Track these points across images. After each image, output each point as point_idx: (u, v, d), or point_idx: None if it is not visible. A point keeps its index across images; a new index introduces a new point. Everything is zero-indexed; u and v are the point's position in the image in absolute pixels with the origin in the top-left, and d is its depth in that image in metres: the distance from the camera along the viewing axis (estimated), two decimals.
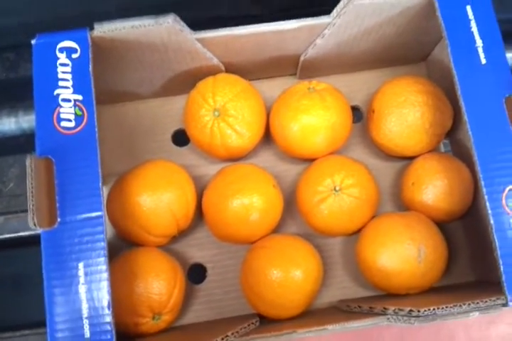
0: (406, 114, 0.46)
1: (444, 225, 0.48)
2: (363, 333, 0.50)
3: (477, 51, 0.39)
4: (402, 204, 0.49)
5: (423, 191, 0.46)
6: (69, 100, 0.36)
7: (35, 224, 0.33)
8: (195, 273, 0.48)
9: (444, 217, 0.46)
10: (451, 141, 0.51)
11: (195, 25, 0.42)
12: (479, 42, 0.40)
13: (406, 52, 0.50)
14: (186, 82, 0.48)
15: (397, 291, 0.44)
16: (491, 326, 0.51)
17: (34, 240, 0.47)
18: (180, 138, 0.52)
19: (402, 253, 0.43)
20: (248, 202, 0.44)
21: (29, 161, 0.34)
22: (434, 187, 0.46)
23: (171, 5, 0.52)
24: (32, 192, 0.33)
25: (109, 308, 0.33)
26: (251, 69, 0.49)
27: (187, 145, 0.52)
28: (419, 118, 0.46)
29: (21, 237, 0.51)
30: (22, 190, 0.56)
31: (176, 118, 0.52)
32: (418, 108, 0.46)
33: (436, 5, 0.40)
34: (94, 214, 0.34)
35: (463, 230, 0.49)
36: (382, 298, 0.46)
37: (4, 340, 0.48)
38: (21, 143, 0.56)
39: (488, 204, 0.36)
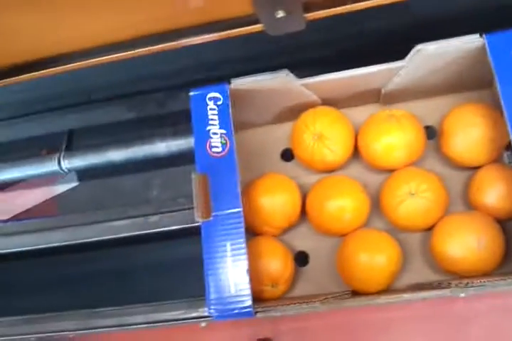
0: (470, 132, 0.55)
1: (507, 222, 0.54)
2: (447, 328, 0.58)
3: None
4: (469, 206, 0.57)
5: (485, 194, 0.54)
6: (216, 133, 0.52)
7: (199, 217, 0.48)
8: (300, 259, 0.59)
9: (503, 215, 0.54)
10: None
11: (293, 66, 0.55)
12: None
13: (470, 83, 0.59)
14: (293, 113, 0.61)
15: (464, 275, 0.52)
16: None
17: (182, 233, 0.63)
18: (287, 155, 0.63)
19: (466, 243, 0.51)
20: (342, 204, 0.55)
21: (193, 175, 0.50)
22: (494, 191, 0.53)
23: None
24: (196, 196, 0.49)
25: (247, 274, 0.47)
26: (342, 101, 0.61)
27: (292, 161, 0.63)
28: (480, 136, 0.54)
29: (173, 230, 0.64)
30: (165, 196, 0.71)
31: (284, 140, 0.63)
32: (479, 127, 0.54)
33: (487, 50, 0.49)
34: (236, 210, 0.49)
35: None
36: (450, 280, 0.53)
37: (168, 305, 0.60)
38: (163, 161, 0.70)
39: None
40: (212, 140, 0.51)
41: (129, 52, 0.44)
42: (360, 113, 0.62)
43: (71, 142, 0.72)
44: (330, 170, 0.61)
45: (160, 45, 0.43)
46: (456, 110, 0.58)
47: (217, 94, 0.53)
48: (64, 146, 0.70)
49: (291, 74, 0.54)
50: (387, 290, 0.55)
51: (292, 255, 0.58)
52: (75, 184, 0.75)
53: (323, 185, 0.58)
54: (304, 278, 0.59)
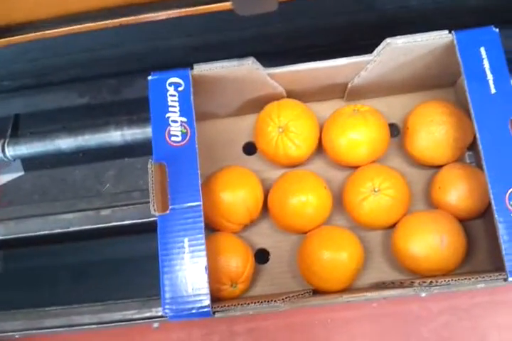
0: (433, 131, 0.54)
1: (468, 222, 0.55)
2: (402, 329, 0.57)
3: (488, 83, 0.48)
4: (431, 204, 0.57)
5: (447, 193, 0.54)
6: (176, 121, 0.49)
7: (155, 210, 0.45)
8: (261, 256, 0.57)
9: (465, 214, 0.54)
10: (474, 152, 0.58)
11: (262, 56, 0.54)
12: (490, 76, 0.48)
13: (435, 80, 0.59)
14: (256, 105, 0.59)
15: (426, 274, 0.52)
16: None
17: (136, 228, 0.60)
18: (250, 148, 0.62)
19: (428, 241, 0.51)
20: (304, 199, 0.54)
21: (150, 165, 0.47)
22: (456, 190, 0.53)
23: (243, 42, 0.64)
24: (152, 187, 0.46)
25: (206, 272, 0.45)
26: (307, 94, 0.60)
27: (255, 155, 0.61)
28: (444, 134, 0.54)
29: (126, 225, 0.61)
30: (118, 189, 0.67)
31: (247, 132, 0.62)
32: (443, 126, 0.54)
33: (456, 47, 0.49)
34: (195, 204, 0.46)
35: (483, 226, 0.56)
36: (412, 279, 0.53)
37: (119, 304, 0.57)
38: (119, 151, 0.68)
39: (493, 202, 0.45)
40: (171, 128, 0.49)
41: (83, 25, 0.40)
42: (324, 108, 0.61)
43: (17, 128, 0.67)
44: (293, 165, 0.60)
45: (119, 19, 0.40)
46: (420, 108, 0.57)
47: (178, 80, 0.50)
48: (9, 132, 0.66)
49: (258, 63, 0.52)
50: (349, 288, 0.55)
51: (253, 252, 0.57)
52: (20, 173, 0.70)
53: (285, 180, 0.57)
54: (264, 277, 0.57)
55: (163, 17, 0.41)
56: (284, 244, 0.58)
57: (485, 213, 0.55)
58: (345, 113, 0.57)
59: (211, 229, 0.57)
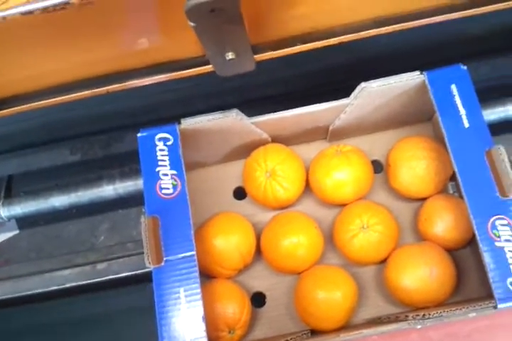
0: (414, 166, 0.56)
1: (457, 251, 0.56)
2: None
3: (461, 118, 0.50)
4: (419, 236, 0.58)
5: (433, 225, 0.55)
6: (167, 174, 0.50)
7: (149, 263, 0.46)
8: (257, 300, 0.58)
9: (452, 244, 0.55)
10: (457, 183, 0.58)
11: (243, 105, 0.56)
12: (462, 111, 0.50)
13: (412, 117, 0.61)
14: (242, 151, 0.61)
15: (419, 305, 0.53)
16: None
17: (132, 280, 0.60)
18: (240, 193, 0.63)
19: (418, 273, 0.52)
20: (296, 240, 0.54)
21: (143, 219, 0.48)
22: (441, 221, 0.55)
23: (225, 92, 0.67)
24: (146, 240, 0.47)
25: (203, 321, 0.45)
26: (291, 138, 0.61)
27: (245, 199, 0.62)
28: (425, 169, 0.56)
29: (122, 278, 0.61)
30: (113, 241, 0.68)
31: (236, 178, 0.63)
32: (423, 161, 0.56)
33: (428, 86, 0.52)
34: (189, 254, 0.47)
35: (471, 255, 0.57)
36: (406, 312, 0.54)
37: None
38: (111, 204, 0.68)
39: (476, 231, 0.46)
40: (162, 181, 0.50)
41: (73, 95, 0.42)
42: (309, 149, 0.63)
43: (10, 188, 0.68)
44: (283, 207, 0.61)
45: (106, 87, 0.42)
46: (400, 144, 0.60)
47: (166, 135, 0.52)
48: (2, 193, 0.67)
49: (241, 113, 0.54)
50: (346, 326, 0.55)
51: (249, 297, 0.57)
52: (15, 232, 0.70)
53: (276, 223, 0.58)
54: (261, 320, 0.57)
55: (149, 82, 0.43)
56: (279, 285, 0.58)
57: (472, 242, 0.56)
58: (329, 154, 0.59)
59: (206, 275, 0.57)
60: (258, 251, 0.58)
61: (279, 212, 0.61)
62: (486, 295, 0.54)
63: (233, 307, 0.52)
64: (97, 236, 0.69)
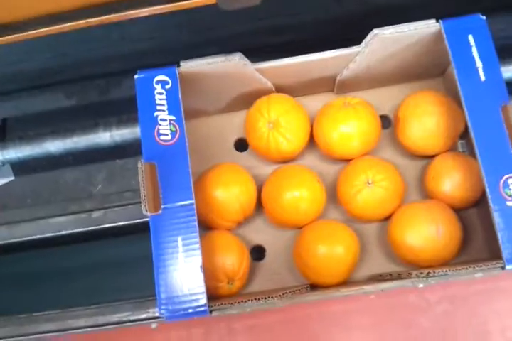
0: (425, 121, 0.54)
1: (463, 211, 0.55)
2: (400, 319, 0.57)
3: (477, 71, 0.48)
4: (425, 195, 0.57)
5: (441, 183, 0.54)
6: (165, 120, 0.48)
7: (146, 210, 0.45)
8: (257, 253, 0.57)
9: (460, 203, 0.54)
10: (466, 141, 0.58)
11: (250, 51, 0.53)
12: (479, 64, 0.48)
13: (424, 70, 0.59)
14: (245, 100, 0.58)
15: (423, 264, 0.52)
16: None
17: (129, 229, 0.59)
18: (241, 145, 0.61)
19: (424, 231, 0.51)
20: (298, 194, 0.53)
21: (140, 165, 0.46)
22: (450, 179, 0.53)
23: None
24: (143, 187, 0.45)
25: (201, 271, 0.44)
26: (297, 89, 0.59)
27: (246, 151, 0.61)
28: (435, 124, 0.54)
29: (118, 227, 0.60)
30: (110, 190, 0.66)
31: (237, 129, 0.61)
32: (434, 116, 0.54)
33: (444, 35, 0.49)
34: (187, 202, 0.45)
35: (478, 215, 0.56)
36: (409, 269, 0.53)
37: (114, 306, 0.57)
38: (109, 153, 0.67)
39: (488, 190, 0.44)
40: (160, 127, 0.48)
41: (68, 24, 0.39)
42: (315, 101, 0.61)
43: (4, 132, 0.66)
44: (285, 160, 0.59)
45: (105, 16, 0.39)
46: (411, 98, 0.57)
47: (165, 77, 0.49)
48: None
49: (245, 58, 0.51)
50: (347, 282, 0.54)
51: (248, 249, 0.56)
52: (10, 178, 0.69)
53: (278, 176, 0.56)
54: (261, 273, 0.57)
55: (146, 14, 0.40)
56: (279, 239, 0.58)
57: (479, 202, 0.55)
58: (336, 106, 0.56)
59: (205, 227, 0.56)
60: (259, 205, 0.57)
61: (282, 165, 0.59)
62: (491, 256, 0.54)
63: (232, 259, 0.51)
64: (94, 185, 0.68)
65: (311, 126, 0.58)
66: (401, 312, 0.57)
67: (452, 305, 0.57)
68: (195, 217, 0.45)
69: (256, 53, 0.54)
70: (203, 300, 0.44)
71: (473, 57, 0.49)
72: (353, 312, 0.58)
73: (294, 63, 0.53)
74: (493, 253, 0.54)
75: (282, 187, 0.54)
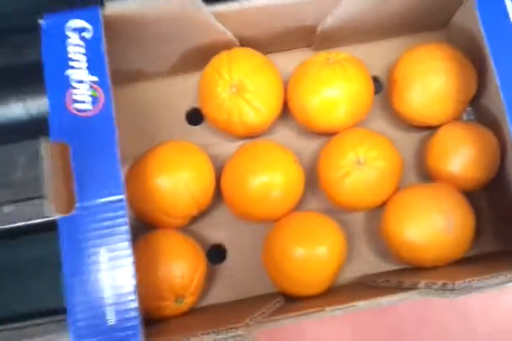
0: (430, 81, 0.45)
1: (466, 194, 0.46)
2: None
3: (505, 7, 0.37)
4: (427, 175, 0.48)
5: (450, 161, 0.45)
6: (82, 81, 0.35)
7: (52, 211, 0.32)
8: (216, 254, 0.48)
9: (471, 186, 0.45)
10: (475, 107, 0.49)
11: None
12: (509, 3, 0.37)
13: (427, 18, 0.49)
14: (200, 58, 0.47)
15: (425, 264, 0.44)
16: (503, 293, 0.50)
17: (50, 226, 0.47)
18: (195, 117, 0.51)
19: (431, 225, 0.42)
20: (269, 179, 0.44)
21: (43, 146, 0.33)
22: (460, 156, 0.45)
23: None
24: (47, 177, 0.32)
25: (134, 294, 0.32)
26: (265, 43, 0.48)
27: (201, 124, 0.51)
28: (444, 85, 0.45)
29: (35, 225, 0.50)
30: (31, 178, 0.55)
31: (190, 96, 0.51)
32: (442, 75, 0.45)
33: None
34: (114, 198, 0.33)
35: (486, 199, 0.48)
36: (408, 271, 0.45)
37: (20, 330, 0.48)
38: (28, 130, 0.55)
39: None
40: (75, 91, 0.35)
41: None
42: (289, 59, 0.51)
43: None
44: (253, 135, 0.50)
45: None
46: (411, 54, 0.48)
47: (83, 23, 0.36)
48: None
49: None
50: (329, 290, 0.45)
51: (204, 251, 0.46)
52: None
53: (243, 156, 0.46)
54: (221, 280, 0.48)
55: None
56: (244, 237, 0.49)
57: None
58: (318, 63, 0.46)
59: (147, 225, 0.45)
60: (218, 193, 0.47)
61: (248, 141, 0.49)
62: (501, 249, 0.48)
63: (181, 269, 0.40)
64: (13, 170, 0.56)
65: (285, 91, 0.48)
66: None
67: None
68: (126, 219, 0.32)
69: None
70: (136, 329, 0.31)
71: None
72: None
73: (261, 6, 0.42)
74: (505, 245, 0.47)
75: (248, 170, 0.45)
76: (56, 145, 0.33)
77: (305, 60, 0.48)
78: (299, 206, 0.48)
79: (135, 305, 0.32)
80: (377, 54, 0.52)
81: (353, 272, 0.48)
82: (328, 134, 0.48)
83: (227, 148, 0.49)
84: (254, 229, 0.48)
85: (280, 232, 0.44)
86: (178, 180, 0.42)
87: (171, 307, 0.41)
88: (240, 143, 0.49)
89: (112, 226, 0.32)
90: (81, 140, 0.34)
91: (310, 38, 0.49)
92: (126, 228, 0.32)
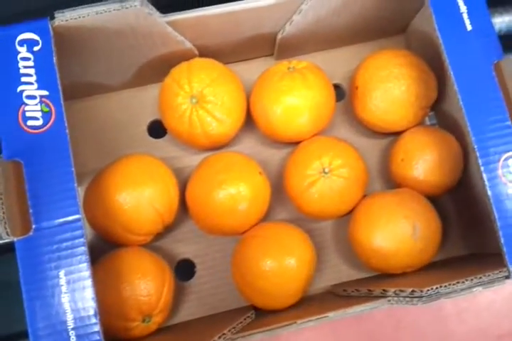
0: (391, 88, 0.44)
1: (432, 199, 0.46)
2: None
3: (462, 17, 0.38)
4: (392, 181, 0.48)
5: (414, 166, 0.45)
6: (34, 97, 0.33)
7: (7, 233, 0.30)
8: (184, 270, 0.46)
9: (436, 190, 0.45)
10: (437, 113, 0.49)
11: (164, 7, 0.40)
12: (463, 8, 0.38)
13: (385, 24, 0.48)
14: (159, 69, 0.45)
15: (394, 271, 0.43)
16: (477, 294, 0.50)
17: (8, 247, 0.44)
18: (157, 129, 0.49)
19: (397, 231, 0.41)
20: (235, 191, 0.42)
21: None
22: (424, 161, 0.44)
23: None
24: (1, 198, 0.30)
25: (95, 317, 0.30)
26: (226, 52, 0.47)
27: (164, 137, 0.49)
28: (405, 91, 0.44)
29: None
30: None
31: (150, 108, 0.49)
32: (403, 81, 0.44)
33: None
34: (71, 218, 0.31)
35: (452, 203, 0.48)
36: (378, 278, 0.45)
37: None
38: None
39: (484, 175, 0.35)
40: (27, 107, 0.33)
41: None
42: (250, 69, 0.50)
43: None
44: (216, 147, 0.49)
45: None
46: (372, 60, 0.48)
47: (32, 35, 0.35)
48: None
49: (150, 5, 0.36)
50: (300, 302, 0.44)
51: (172, 268, 0.44)
52: None
53: (208, 168, 0.45)
54: (190, 296, 0.46)
55: None
56: (212, 250, 0.47)
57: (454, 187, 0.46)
58: (279, 72, 0.45)
59: (111, 243, 0.43)
60: (183, 207, 0.46)
61: (211, 153, 0.48)
62: (468, 252, 0.48)
63: (148, 288, 0.38)
64: None
65: (247, 101, 0.47)
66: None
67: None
68: (84, 240, 0.31)
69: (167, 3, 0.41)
70: None
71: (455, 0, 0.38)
72: None
73: (219, 14, 0.40)
74: (472, 248, 0.47)
75: (214, 182, 0.43)
76: (9, 164, 0.32)
77: (266, 69, 0.46)
78: (267, 216, 0.47)
79: (97, 328, 0.30)
80: (338, 61, 0.51)
81: (323, 282, 0.47)
82: (292, 143, 0.47)
83: (191, 160, 0.48)
84: (222, 242, 0.47)
85: (248, 244, 0.43)
86: (141, 196, 0.40)
87: (139, 327, 0.39)
88: (204, 155, 0.47)
89: (71, 248, 0.31)
90: (34, 158, 0.32)
91: (271, 46, 0.48)
92: (84, 249, 0.31)
